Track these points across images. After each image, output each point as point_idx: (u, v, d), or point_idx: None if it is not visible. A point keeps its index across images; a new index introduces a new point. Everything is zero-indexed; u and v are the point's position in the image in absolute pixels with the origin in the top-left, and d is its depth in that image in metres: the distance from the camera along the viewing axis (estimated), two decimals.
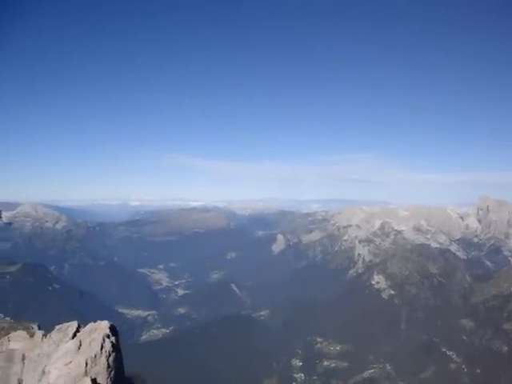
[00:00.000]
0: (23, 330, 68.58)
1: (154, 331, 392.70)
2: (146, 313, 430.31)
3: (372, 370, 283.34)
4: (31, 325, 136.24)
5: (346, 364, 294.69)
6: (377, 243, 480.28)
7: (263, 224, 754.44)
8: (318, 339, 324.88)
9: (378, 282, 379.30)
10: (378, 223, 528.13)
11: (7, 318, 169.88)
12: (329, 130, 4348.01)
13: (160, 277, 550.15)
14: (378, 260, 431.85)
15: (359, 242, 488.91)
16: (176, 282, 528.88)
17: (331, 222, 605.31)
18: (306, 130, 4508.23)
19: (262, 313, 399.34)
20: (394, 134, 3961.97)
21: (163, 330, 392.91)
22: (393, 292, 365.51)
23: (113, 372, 42.82)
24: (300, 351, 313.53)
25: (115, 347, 44.12)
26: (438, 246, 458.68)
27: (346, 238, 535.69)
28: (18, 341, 54.11)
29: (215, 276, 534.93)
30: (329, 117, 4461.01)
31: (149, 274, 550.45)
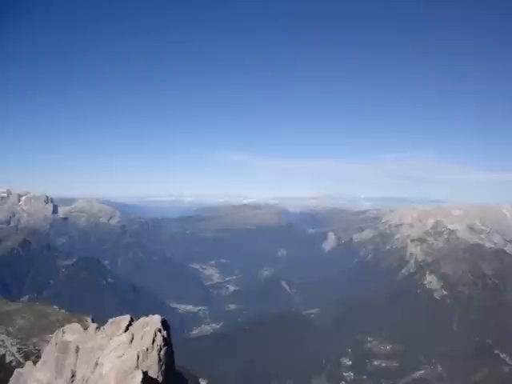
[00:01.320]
0: (77, 322, 70.50)
1: (205, 326, 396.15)
2: (197, 308, 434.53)
3: (423, 371, 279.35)
4: (85, 317, 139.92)
5: (396, 364, 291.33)
6: (429, 242, 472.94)
7: (314, 222, 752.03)
8: (369, 338, 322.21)
9: (430, 282, 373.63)
10: (430, 222, 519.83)
11: (62, 311, 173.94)
12: (383, 128, 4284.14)
13: (211, 272, 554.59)
14: (430, 260, 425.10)
15: (411, 241, 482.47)
16: (227, 278, 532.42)
17: (383, 221, 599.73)
18: (360, 127, 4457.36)
19: (312, 311, 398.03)
20: (449, 133, 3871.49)
21: (214, 325, 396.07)
22: (445, 292, 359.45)
23: (164, 366, 43.83)
24: (350, 350, 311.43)
25: (166, 341, 45.17)
26: (492, 246, 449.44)
27: (397, 236, 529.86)
28: (72, 333, 55.66)
29: (266, 273, 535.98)
30: (383, 114, 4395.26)
31: (200, 269, 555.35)
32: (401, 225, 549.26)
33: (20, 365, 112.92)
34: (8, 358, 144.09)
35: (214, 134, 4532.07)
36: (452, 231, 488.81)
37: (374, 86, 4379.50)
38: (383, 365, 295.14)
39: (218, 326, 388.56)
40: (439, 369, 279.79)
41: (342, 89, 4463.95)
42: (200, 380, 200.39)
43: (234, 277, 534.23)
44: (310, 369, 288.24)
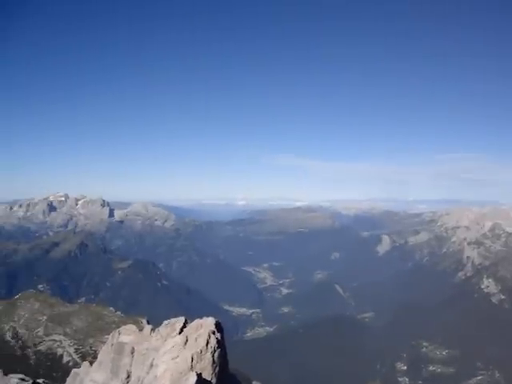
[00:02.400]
0: (133, 323, 71.24)
1: (258, 329, 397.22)
2: (251, 311, 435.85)
3: (480, 377, 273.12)
4: (140, 319, 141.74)
5: (452, 370, 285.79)
6: (487, 245, 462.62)
7: (368, 224, 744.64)
8: (424, 343, 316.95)
9: (487, 286, 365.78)
10: (488, 225, 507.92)
11: (118, 312, 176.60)
12: (437, 129, 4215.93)
13: (264, 275, 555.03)
14: (487, 263, 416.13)
15: (468, 244, 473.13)
16: (280, 281, 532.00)
17: (439, 224, 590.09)
18: (413, 129, 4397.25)
19: (366, 314, 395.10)
20: (505, 132, 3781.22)
21: (267, 328, 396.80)
22: (503, 297, 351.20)
23: (217, 368, 43.83)
24: (405, 355, 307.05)
25: (220, 343, 45.15)
26: None
27: (454, 239, 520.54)
28: (127, 334, 56.22)
29: (319, 276, 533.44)
30: (436, 116, 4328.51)
31: (253, 272, 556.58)
32: (457, 227, 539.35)
33: (77, 365, 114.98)
34: (65, 358, 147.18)
35: (267, 138, 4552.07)
36: (510, 234, 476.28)
37: (424, 87, 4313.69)
38: (439, 370, 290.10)
39: (271, 329, 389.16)
40: (497, 375, 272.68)
41: (391, 92, 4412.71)
42: (253, 382, 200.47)
43: (287, 280, 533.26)
44: (364, 373, 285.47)
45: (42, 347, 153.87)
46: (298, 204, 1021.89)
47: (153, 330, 54.61)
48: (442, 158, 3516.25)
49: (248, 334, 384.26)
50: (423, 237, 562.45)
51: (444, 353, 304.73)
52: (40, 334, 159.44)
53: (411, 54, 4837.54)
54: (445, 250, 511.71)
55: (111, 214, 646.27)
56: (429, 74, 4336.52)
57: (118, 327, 61.15)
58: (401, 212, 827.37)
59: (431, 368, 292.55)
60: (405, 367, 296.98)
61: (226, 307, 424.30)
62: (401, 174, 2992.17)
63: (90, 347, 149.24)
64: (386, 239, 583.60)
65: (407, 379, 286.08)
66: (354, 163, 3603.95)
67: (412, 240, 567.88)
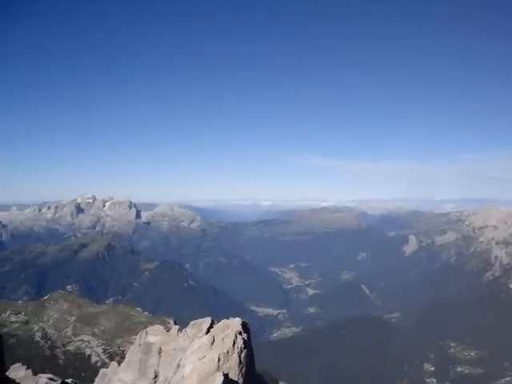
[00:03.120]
0: (160, 324, 71.94)
1: (285, 330, 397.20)
2: (277, 311, 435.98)
3: (508, 378, 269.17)
4: (167, 319, 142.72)
5: (480, 370, 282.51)
6: None
7: (395, 224, 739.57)
8: (452, 344, 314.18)
9: None
10: None
11: (145, 313, 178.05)
12: (463, 127, 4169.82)
13: (290, 276, 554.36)
14: None
15: (496, 243, 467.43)
16: (306, 282, 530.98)
17: (466, 223, 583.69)
18: (439, 127, 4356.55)
19: (393, 315, 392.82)
20: None
21: (293, 328, 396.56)
22: None
23: (244, 368, 44.05)
24: (432, 355, 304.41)
25: (247, 344, 45.37)
26: None
27: (482, 239, 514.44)
28: (155, 335, 56.78)
29: (345, 276, 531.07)
30: (462, 115, 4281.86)
31: (279, 273, 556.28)
32: (485, 227, 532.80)
33: (105, 365, 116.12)
34: (94, 359, 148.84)
35: (292, 138, 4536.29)
36: None
37: (450, 86, 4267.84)
38: (467, 371, 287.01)
39: (297, 330, 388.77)
40: None
41: (417, 92, 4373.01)
42: (280, 383, 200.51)
43: (314, 280, 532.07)
44: (391, 374, 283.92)
45: (70, 347, 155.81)
46: (324, 204, 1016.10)
47: (180, 330, 55.13)
48: (468, 157, 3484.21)
49: (274, 335, 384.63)
50: (450, 237, 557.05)
51: (472, 353, 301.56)
52: (69, 334, 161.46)
53: (436, 54, 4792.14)
54: (472, 249, 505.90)
55: (138, 216, 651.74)
56: (454, 73, 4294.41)
57: (146, 327, 61.78)
58: (427, 212, 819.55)
59: (459, 369, 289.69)
60: (432, 368, 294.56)
61: (253, 308, 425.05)
62: (427, 174, 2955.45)
63: (118, 347, 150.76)
64: (412, 239, 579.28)
65: (435, 380, 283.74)
66: (380, 163, 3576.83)
67: (439, 240, 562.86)
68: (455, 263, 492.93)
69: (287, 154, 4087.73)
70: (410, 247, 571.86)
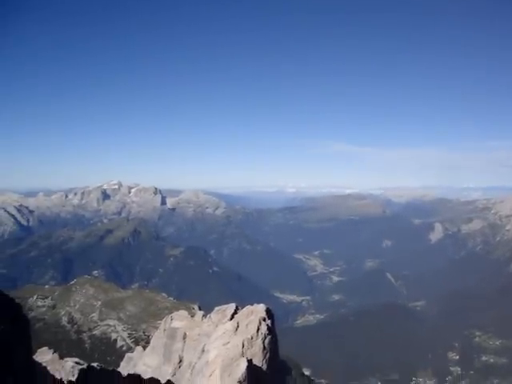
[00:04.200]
0: (185, 309, 72.28)
1: (309, 316, 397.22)
2: (301, 298, 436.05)
3: None
4: (192, 305, 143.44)
5: (505, 360, 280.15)
6: None
7: (420, 212, 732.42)
8: (477, 333, 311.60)
9: None
10: None
11: (170, 298, 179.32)
12: (491, 114, 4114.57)
13: (315, 263, 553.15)
14: None
15: None
16: (331, 269, 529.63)
17: (493, 211, 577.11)
18: (466, 114, 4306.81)
19: (418, 303, 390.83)
20: None
21: (317, 315, 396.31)
22: None
23: (268, 354, 44.07)
24: (457, 344, 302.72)
25: (271, 330, 45.35)
26: None
27: (508, 227, 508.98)
28: (180, 320, 57.14)
29: (370, 264, 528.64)
30: (490, 101, 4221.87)
31: (304, 259, 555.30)
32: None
33: (130, 349, 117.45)
34: (119, 343, 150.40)
35: (316, 125, 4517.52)
36: None
37: (476, 73, 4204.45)
38: (491, 361, 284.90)
39: (321, 317, 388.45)
40: None
41: (444, 78, 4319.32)
42: (304, 369, 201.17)
43: (338, 267, 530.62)
44: (416, 362, 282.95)
45: (96, 332, 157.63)
46: (349, 191, 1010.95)
47: (204, 316, 55.38)
48: (495, 145, 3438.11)
49: (298, 322, 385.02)
50: (476, 225, 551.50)
51: (497, 343, 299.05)
52: (95, 318, 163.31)
53: (461, 42, 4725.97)
54: (499, 238, 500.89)
55: (163, 202, 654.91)
56: (483, 59, 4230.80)
57: (171, 313, 62.20)
58: (454, 199, 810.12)
59: (484, 358, 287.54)
60: (457, 357, 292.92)
61: (277, 294, 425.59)
62: (454, 161, 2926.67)
63: (143, 332, 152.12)
64: (438, 227, 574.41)
65: (459, 369, 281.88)
66: (407, 150, 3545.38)
67: (465, 228, 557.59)
68: (481, 252, 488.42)
69: (312, 140, 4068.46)
70: (436, 235, 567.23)
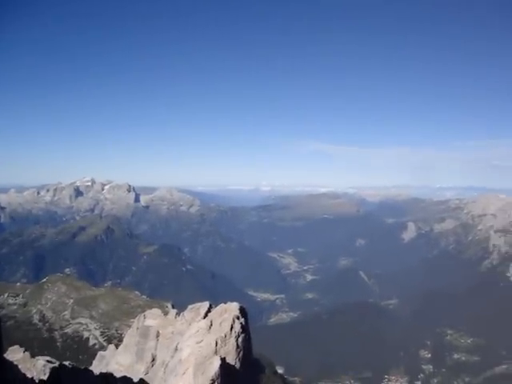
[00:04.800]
0: (158, 308, 72.05)
1: (282, 315, 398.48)
2: (275, 296, 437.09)
3: (505, 366, 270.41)
4: (165, 303, 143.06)
5: (476, 358, 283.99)
6: None
7: (394, 211, 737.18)
8: (449, 331, 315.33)
9: None
10: None
11: (143, 297, 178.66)
12: (467, 115, 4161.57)
13: (289, 261, 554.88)
14: None
15: (495, 232, 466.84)
16: (304, 267, 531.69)
17: (465, 211, 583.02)
18: (441, 114, 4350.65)
19: (391, 302, 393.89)
20: None
21: (291, 313, 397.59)
22: None
23: (241, 352, 44.03)
24: (429, 342, 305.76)
25: (244, 328, 45.32)
26: None
27: (480, 227, 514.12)
28: (153, 318, 56.91)
29: (344, 262, 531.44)
30: (465, 102, 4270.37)
31: (278, 258, 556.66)
32: (484, 215, 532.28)
33: (102, 348, 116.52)
34: (91, 342, 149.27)
35: (292, 124, 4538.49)
36: None
37: (452, 73, 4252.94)
38: (463, 358, 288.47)
39: (295, 315, 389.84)
40: None
41: (419, 77, 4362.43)
42: (277, 367, 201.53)
43: (312, 266, 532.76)
44: (388, 360, 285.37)
45: (68, 330, 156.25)
46: (323, 190, 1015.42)
47: (178, 314, 55.20)
48: (470, 145, 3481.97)
49: (272, 320, 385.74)
50: (449, 224, 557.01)
51: (469, 341, 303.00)
52: (67, 317, 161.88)
53: (438, 44, 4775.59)
54: (471, 237, 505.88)
55: (137, 199, 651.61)
56: (459, 61, 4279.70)
57: (144, 311, 61.88)
58: (427, 199, 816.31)
59: (455, 356, 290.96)
60: (429, 355, 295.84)
61: (251, 292, 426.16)
62: (428, 161, 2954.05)
63: (116, 330, 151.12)
64: (411, 226, 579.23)
65: (431, 367, 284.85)
66: (382, 149, 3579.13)
67: (438, 227, 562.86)
68: (453, 251, 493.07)
69: (288, 139, 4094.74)
70: (409, 234, 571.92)
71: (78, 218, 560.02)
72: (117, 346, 62.32)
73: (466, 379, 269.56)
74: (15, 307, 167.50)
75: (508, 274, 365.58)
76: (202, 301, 53.10)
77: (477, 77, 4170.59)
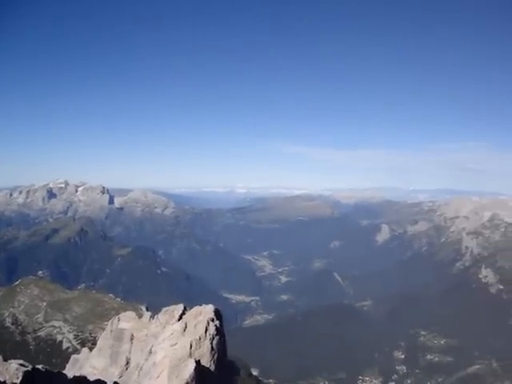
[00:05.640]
0: (132, 310, 71.74)
1: (257, 317, 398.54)
2: (250, 298, 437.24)
3: (477, 366, 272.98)
4: (140, 306, 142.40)
5: (450, 359, 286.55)
6: (486, 236, 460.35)
7: (368, 213, 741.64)
8: (422, 332, 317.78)
9: (485, 276, 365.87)
10: (487, 215, 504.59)
11: (117, 299, 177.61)
12: (441, 117, 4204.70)
13: (264, 263, 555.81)
14: (486, 253, 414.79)
15: (467, 234, 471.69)
16: (279, 269, 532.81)
17: (438, 213, 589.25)
18: (416, 117, 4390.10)
19: (365, 303, 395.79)
20: (508, 122, 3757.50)
21: (266, 315, 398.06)
22: (501, 287, 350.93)
23: (216, 355, 44.17)
24: (403, 343, 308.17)
25: (219, 331, 45.49)
26: None
27: (453, 229, 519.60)
28: (127, 321, 56.71)
29: (318, 264, 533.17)
30: (439, 105, 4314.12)
31: (253, 260, 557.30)
32: (456, 217, 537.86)
33: (76, 351, 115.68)
34: (65, 345, 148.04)
35: (267, 126, 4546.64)
36: (509, 224, 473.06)
37: (426, 76, 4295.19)
38: (436, 359, 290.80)
39: (270, 317, 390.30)
40: (494, 364, 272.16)
41: (394, 80, 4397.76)
42: (252, 369, 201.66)
43: (287, 268, 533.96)
44: (362, 361, 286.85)
45: (41, 333, 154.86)
46: (298, 192, 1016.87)
47: (152, 316, 55.13)
48: (444, 148, 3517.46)
49: (247, 322, 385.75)
50: (422, 226, 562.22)
51: (442, 342, 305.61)
52: (40, 320, 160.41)
53: (414, 46, 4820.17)
54: (443, 239, 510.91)
55: (111, 201, 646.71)
56: (431, 63, 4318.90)
57: (118, 314, 61.64)
58: (401, 201, 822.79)
59: (429, 357, 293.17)
60: (402, 356, 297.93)
61: (226, 295, 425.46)
62: (403, 163, 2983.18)
63: (90, 333, 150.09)
64: (385, 228, 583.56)
65: (405, 368, 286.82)
66: (357, 152, 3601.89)
67: (411, 229, 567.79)
68: (426, 253, 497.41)
69: (263, 141, 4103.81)
70: (383, 236, 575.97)
71: (51, 220, 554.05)
72: (91, 349, 62.01)
73: (439, 379, 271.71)
74: None
75: (480, 276, 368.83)
76: (176, 303, 53.09)
77: (452, 80, 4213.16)
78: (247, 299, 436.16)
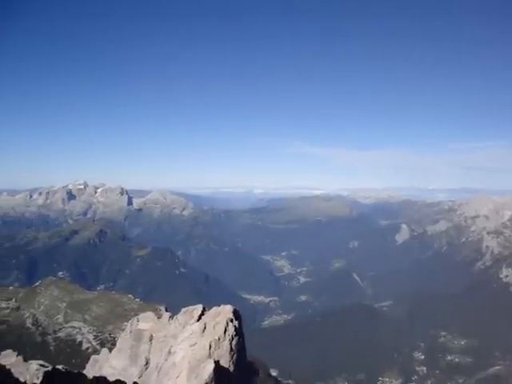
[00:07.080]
0: (151, 311, 71.77)
1: (276, 317, 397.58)
2: (269, 299, 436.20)
3: (498, 367, 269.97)
4: (159, 306, 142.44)
5: (470, 359, 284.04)
6: (506, 235, 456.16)
7: (387, 213, 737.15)
8: (442, 333, 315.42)
9: (506, 276, 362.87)
10: (507, 214, 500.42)
11: (137, 300, 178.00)
12: (458, 117, 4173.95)
13: (282, 264, 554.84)
14: (507, 253, 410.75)
15: (487, 233, 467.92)
16: (298, 270, 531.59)
17: (458, 213, 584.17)
18: (434, 117, 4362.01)
19: (385, 303, 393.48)
20: None
21: (285, 316, 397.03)
22: None
23: (235, 355, 44.02)
24: (423, 344, 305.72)
25: (238, 331, 45.33)
26: None
27: (473, 229, 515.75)
28: (146, 321, 56.66)
29: (337, 265, 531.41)
30: (457, 104, 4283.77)
31: (271, 260, 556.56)
32: (476, 217, 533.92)
33: (96, 351, 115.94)
34: (84, 345, 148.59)
35: (285, 126, 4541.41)
36: None
37: (443, 76, 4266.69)
38: (457, 360, 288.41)
39: (289, 317, 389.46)
40: None
41: (410, 81, 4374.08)
42: (271, 370, 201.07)
43: (305, 268, 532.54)
44: (382, 362, 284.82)
45: (61, 334, 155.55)
46: (316, 193, 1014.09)
47: (171, 317, 54.99)
48: (462, 147, 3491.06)
49: (265, 322, 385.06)
50: (442, 226, 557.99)
51: (462, 342, 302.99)
52: (60, 320, 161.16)
53: (427, 47, 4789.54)
54: (464, 239, 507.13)
55: (130, 202, 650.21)
56: (449, 65, 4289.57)
57: (137, 314, 61.62)
58: (419, 201, 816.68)
59: (449, 358, 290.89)
60: (422, 357, 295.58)
61: (244, 295, 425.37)
62: (421, 163, 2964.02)
63: (109, 334, 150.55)
64: (404, 228, 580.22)
65: (425, 368, 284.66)
66: (375, 152, 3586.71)
67: (431, 229, 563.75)
68: (447, 252, 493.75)
69: (281, 142, 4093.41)
70: (402, 236, 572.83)
71: (70, 221, 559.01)
72: (110, 350, 62.03)
73: (460, 380, 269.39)
74: (8, 311, 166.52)
75: (501, 275, 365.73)
76: (195, 304, 52.95)
77: (472, 78, 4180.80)
78: (266, 300, 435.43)
